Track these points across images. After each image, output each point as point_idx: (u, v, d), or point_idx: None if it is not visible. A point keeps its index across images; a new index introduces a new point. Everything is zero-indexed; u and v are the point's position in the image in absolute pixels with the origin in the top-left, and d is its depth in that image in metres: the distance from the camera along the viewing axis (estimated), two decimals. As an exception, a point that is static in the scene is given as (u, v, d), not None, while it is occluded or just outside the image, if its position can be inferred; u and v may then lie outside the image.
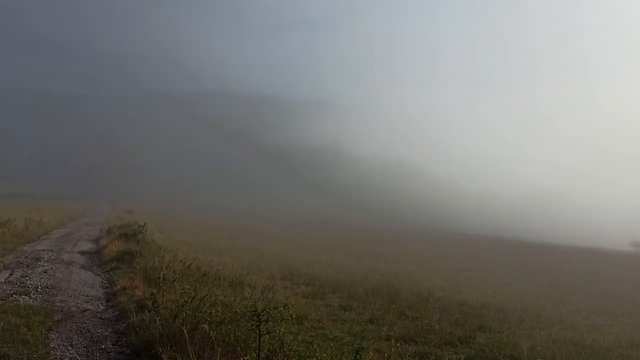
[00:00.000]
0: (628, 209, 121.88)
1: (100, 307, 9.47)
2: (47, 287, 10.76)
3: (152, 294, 7.52)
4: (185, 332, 5.95)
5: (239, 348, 5.81)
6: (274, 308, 5.85)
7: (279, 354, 5.73)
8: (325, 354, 6.37)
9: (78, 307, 9.28)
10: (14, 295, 9.71)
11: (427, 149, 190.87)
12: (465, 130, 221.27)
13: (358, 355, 5.63)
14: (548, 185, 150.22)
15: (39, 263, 13.78)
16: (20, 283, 10.93)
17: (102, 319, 8.63)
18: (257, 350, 5.67)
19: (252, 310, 5.86)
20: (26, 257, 14.95)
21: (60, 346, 6.96)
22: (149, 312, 7.52)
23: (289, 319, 6.19)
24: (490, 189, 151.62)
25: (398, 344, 8.38)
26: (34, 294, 10.00)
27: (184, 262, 11.53)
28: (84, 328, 7.95)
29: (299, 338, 7.53)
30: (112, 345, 7.24)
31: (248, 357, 5.69)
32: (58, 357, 6.54)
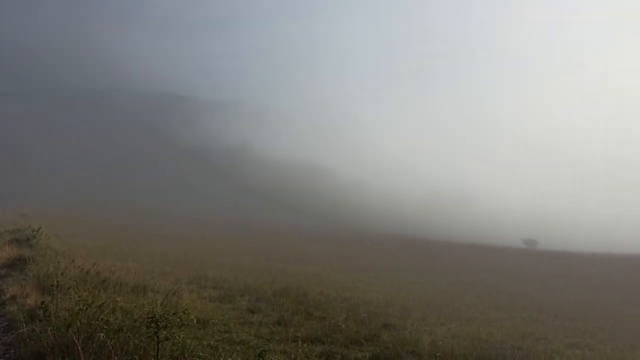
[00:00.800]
0: (521, 208, 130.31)
1: (-13, 318, 8.76)
2: None
3: (42, 302, 7.06)
4: (77, 342, 5.62)
5: (137, 357, 5.58)
6: (174, 313, 5.66)
7: (181, 360, 5.57)
8: (230, 358, 6.27)
9: (-40, 319, 8.53)
10: None
11: (338, 150, 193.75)
12: (374, 132, 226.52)
13: (261, 359, 5.60)
14: (451, 186, 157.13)
15: None
16: None
17: (-12, 330, 7.98)
18: (156, 358, 5.46)
19: (150, 316, 5.64)
20: None
21: (-63, 362, 6.37)
22: (40, 321, 7.05)
23: (190, 324, 6.03)
24: (399, 190, 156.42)
25: (305, 345, 8.43)
26: None
27: (82, 268, 10.93)
28: (-33, 341, 7.31)
29: (204, 343, 7.36)
30: (-1, 358, 6.72)
31: (147, 366, 5.48)
32: None
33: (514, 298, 19.54)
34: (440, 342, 9.43)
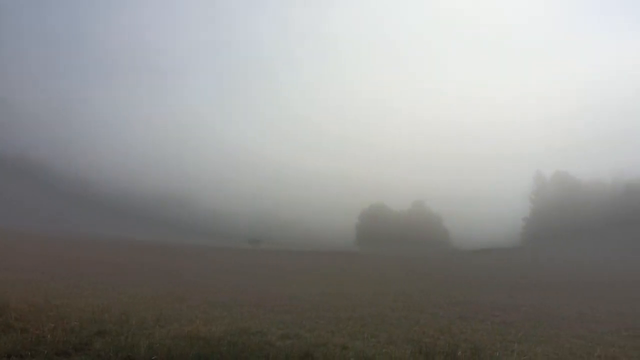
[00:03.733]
0: (248, 209, 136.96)
1: None
2: None
3: None
4: None
5: None
6: None
7: None
8: None
9: None
10: None
11: (61, 147, 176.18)
12: (106, 132, 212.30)
13: None
14: (177, 188, 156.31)
15: None
16: None
17: None
18: None
19: None
20: None
21: None
22: None
23: None
24: (126, 191, 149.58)
25: (-1, 362, 7.43)
26: None
27: None
28: None
29: None
30: None
31: None
32: None
33: (238, 295, 20.30)
34: (158, 345, 9.24)
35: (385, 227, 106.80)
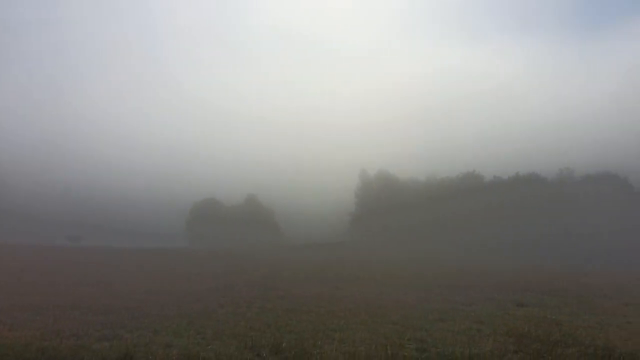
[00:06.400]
0: (69, 203, 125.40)
1: None
2: None
3: None
4: None
5: None
6: None
7: None
8: None
9: None
10: None
11: None
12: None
13: None
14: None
15: None
16: None
17: None
18: None
19: None
20: None
21: None
22: None
23: None
24: None
25: None
26: None
27: None
28: None
29: None
30: None
31: None
32: None
33: (51, 297, 18.63)
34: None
35: (217, 222, 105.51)
